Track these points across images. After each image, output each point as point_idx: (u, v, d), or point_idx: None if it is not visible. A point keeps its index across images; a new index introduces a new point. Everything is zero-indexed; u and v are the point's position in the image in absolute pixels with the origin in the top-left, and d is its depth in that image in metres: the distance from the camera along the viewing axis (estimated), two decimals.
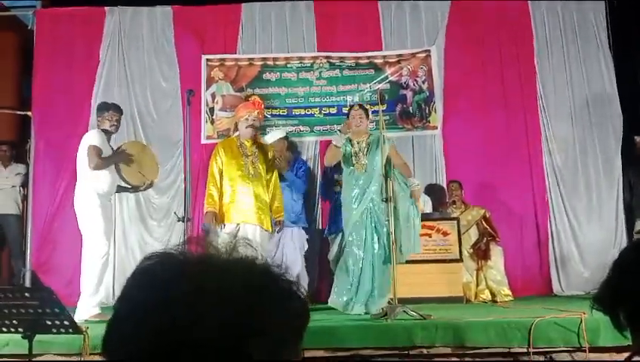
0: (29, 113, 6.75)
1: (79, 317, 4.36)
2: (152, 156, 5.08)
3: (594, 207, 6.46)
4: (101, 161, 4.64)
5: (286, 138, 6.11)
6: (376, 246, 4.71)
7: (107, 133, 4.84)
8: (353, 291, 4.67)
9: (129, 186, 4.97)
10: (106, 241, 4.64)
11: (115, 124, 4.90)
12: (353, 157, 4.79)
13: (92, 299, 4.50)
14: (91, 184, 4.69)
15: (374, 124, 6.25)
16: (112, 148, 4.86)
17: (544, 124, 6.60)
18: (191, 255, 0.68)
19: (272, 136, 5.96)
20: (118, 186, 4.93)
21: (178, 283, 0.63)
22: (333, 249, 5.80)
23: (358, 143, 4.81)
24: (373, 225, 4.70)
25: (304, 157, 6.51)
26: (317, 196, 6.50)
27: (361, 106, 4.98)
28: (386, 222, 4.54)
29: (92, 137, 4.76)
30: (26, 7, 7.33)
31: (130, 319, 0.64)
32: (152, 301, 0.63)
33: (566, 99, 6.65)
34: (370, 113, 5.08)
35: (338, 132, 4.93)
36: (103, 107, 4.97)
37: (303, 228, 5.94)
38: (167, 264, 0.66)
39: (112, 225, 5.01)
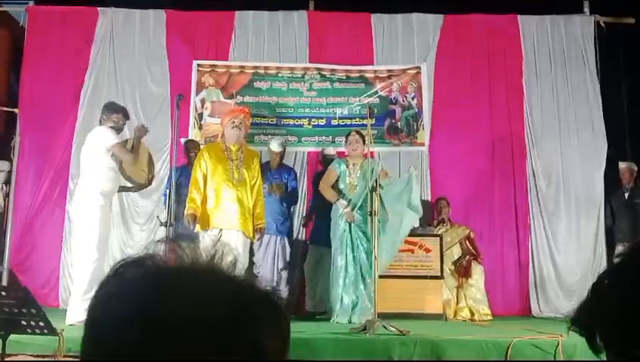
0: (16, 110, 6.69)
1: (69, 320, 4.31)
2: (147, 153, 5.04)
3: (574, 230, 6.51)
4: (131, 154, 4.64)
5: (282, 151, 6.11)
6: (361, 259, 5.09)
7: (115, 130, 4.78)
8: (340, 301, 5.05)
9: (131, 186, 4.93)
10: (99, 245, 4.54)
11: (120, 128, 4.87)
12: (347, 177, 5.29)
13: (82, 304, 4.42)
14: (95, 183, 4.61)
15: None
16: None
17: (529, 144, 6.66)
18: (168, 265, 0.67)
19: (276, 145, 6.00)
20: (120, 186, 4.87)
21: (153, 297, 0.62)
22: (311, 258, 5.89)
23: (353, 165, 5.33)
24: (358, 240, 5.13)
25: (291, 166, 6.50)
26: (301, 208, 6.49)
27: (357, 132, 5.45)
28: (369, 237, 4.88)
29: (107, 136, 4.66)
30: (18, 3, 7.28)
31: (104, 326, 0.63)
32: (125, 312, 0.62)
33: (552, 121, 6.72)
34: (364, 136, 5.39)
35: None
36: (113, 108, 4.88)
37: (287, 237, 5.93)
38: (142, 274, 0.65)
39: (109, 229, 4.89)
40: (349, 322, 4.94)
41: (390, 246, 4.84)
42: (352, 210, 5.16)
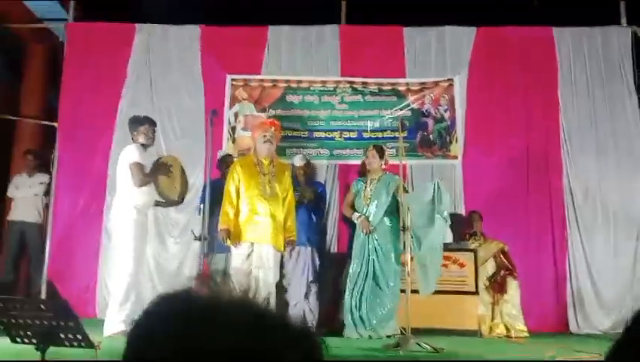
0: (55, 124, 6.87)
1: (106, 331, 4.39)
2: (182, 171, 5.11)
3: (612, 246, 6.36)
4: (145, 177, 4.69)
5: (307, 164, 6.13)
6: (377, 273, 5.23)
7: (144, 147, 4.88)
8: (356, 315, 5.16)
9: (163, 201, 4.99)
10: (135, 258, 4.63)
11: (152, 137, 4.96)
12: (362, 192, 5.49)
13: (118, 315, 4.51)
14: (129, 198, 4.72)
15: (394, 150, 6.28)
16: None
17: (566, 159, 6.54)
18: (203, 301, 0.68)
19: (298, 160, 6.06)
20: (155, 201, 4.95)
21: (190, 332, 0.63)
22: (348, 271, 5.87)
23: (370, 181, 5.51)
24: (373, 254, 5.26)
25: (322, 180, 6.52)
26: (333, 220, 6.49)
27: (374, 147, 5.62)
28: (392, 251, 5.20)
29: (132, 153, 4.76)
30: (57, 19, 7.50)
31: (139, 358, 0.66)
32: (163, 349, 0.63)
33: (589, 135, 6.59)
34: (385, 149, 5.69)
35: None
36: (137, 121, 4.98)
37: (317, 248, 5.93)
38: (179, 309, 0.67)
39: (145, 243, 4.97)
40: (360, 337, 5.05)
41: (433, 260, 4.76)
42: (367, 219, 5.32)
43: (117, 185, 4.88)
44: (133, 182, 4.68)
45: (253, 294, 0.69)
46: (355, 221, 5.41)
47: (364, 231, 5.29)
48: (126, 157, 4.79)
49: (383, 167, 5.52)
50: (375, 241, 5.29)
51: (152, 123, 5.02)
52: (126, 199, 4.72)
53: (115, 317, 4.49)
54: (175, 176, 4.94)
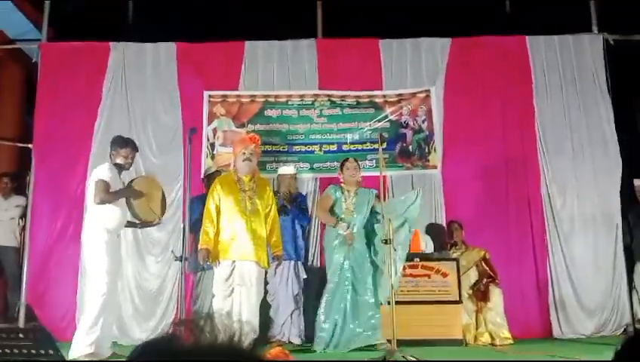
0: (31, 145, 6.77)
1: (72, 354, 4.29)
2: (161, 191, 5.04)
3: (591, 250, 6.43)
4: (106, 195, 4.56)
5: (295, 176, 6.15)
6: (357, 287, 5.21)
7: (119, 168, 4.78)
8: (331, 331, 5.14)
9: (138, 222, 4.91)
10: (107, 280, 4.51)
11: (130, 161, 4.87)
12: (343, 203, 5.39)
13: (87, 338, 4.41)
14: (100, 219, 4.60)
15: (374, 162, 6.30)
16: (123, 183, 4.81)
17: (543, 165, 6.62)
18: (188, 348, 0.66)
19: (284, 170, 6.12)
20: (128, 222, 4.85)
21: None
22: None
23: (348, 192, 5.44)
24: (352, 267, 5.23)
25: (303, 193, 6.51)
26: (315, 232, 6.47)
27: (355, 160, 5.61)
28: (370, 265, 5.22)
29: (102, 171, 4.66)
30: (31, 40, 7.42)
31: None
32: None
33: (565, 141, 6.68)
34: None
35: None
36: (120, 142, 4.86)
37: (301, 262, 5.92)
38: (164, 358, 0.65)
39: (119, 263, 4.86)
40: (325, 350, 5.08)
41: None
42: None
43: (88, 204, 4.77)
44: (94, 199, 4.57)
45: (238, 339, 0.68)
46: (341, 231, 5.28)
47: (348, 242, 5.25)
48: (95, 174, 4.71)
49: (359, 179, 5.53)
50: (352, 256, 5.26)
51: (135, 148, 4.92)
52: (97, 220, 4.62)
53: (82, 340, 4.40)
54: (151, 197, 4.87)
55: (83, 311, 4.53)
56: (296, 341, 5.66)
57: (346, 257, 5.25)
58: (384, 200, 4.86)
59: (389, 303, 4.64)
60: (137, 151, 5.02)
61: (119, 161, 4.76)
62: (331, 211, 5.42)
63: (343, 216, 5.35)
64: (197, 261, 4.94)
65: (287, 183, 6.06)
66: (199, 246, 4.73)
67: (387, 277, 4.69)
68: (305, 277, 5.87)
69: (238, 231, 4.72)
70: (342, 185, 5.50)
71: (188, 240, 4.71)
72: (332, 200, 5.45)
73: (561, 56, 6.91)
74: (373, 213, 5.35)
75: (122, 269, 6.22)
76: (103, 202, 4.56)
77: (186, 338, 0.66)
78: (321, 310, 5.24)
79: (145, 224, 4.96)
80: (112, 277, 4.58)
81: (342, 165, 5.58)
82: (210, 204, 4.80)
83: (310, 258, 6.35)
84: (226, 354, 0.65)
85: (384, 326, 5.01)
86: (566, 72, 6.86)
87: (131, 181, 4.86)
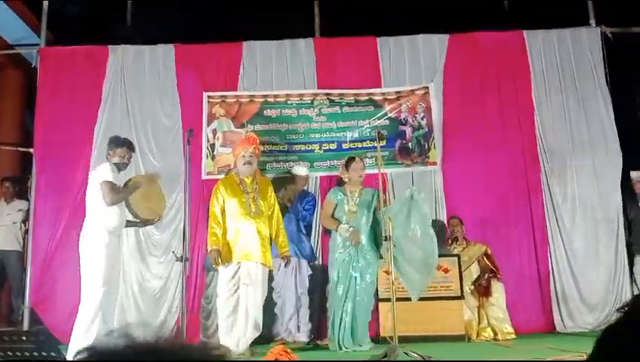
0: (31, 150, 6.80)
1: (69, 356, 4.29)
2: (160, 190, 5.06)
3: (593, 244, 6.43)
4: (116, 196, 4.58)
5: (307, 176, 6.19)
6: (361, 285, 5.13)
7: (117, 167, 4.79)
8: (342, 329, 5.05)
9: (138, 221, 4.92)
10: (106, 283, 4.52)
11: (126, 161, 4.87)
12: (345, 205, 5.29)
13: (83, 341, 4.42)
14: (101, 220, 4.60)
15: (374, 159, 6.30)
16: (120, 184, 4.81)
17: (543, 159, 6.62)
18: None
19: (299, 170, 6.16)
20: (127, 221, 4.87)
21: None
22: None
23: (351, 193, 5.33)
24: (358, 264, 5.14)
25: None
26: (317, 231, 6.49)
27: (362, 159, 5.46)
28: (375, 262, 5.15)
29: (105, 172, 4.66)
30: (30, 45, 7.45)
31: None
32: None
33: (564, 135, 6.68)
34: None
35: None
36: (117, 142, 4.88)
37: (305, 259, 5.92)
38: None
39: (119, 265, 4.87)
40: (340, 349, 5.02)
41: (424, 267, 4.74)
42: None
43: (87, 205, 4.77)
44: (105, 201, 4.56)
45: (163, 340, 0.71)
46: (345, 233, 5.17)
47: (355, 242, 5.16)
48: (97, 176, 4.70)
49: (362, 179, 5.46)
50: (360, 260, 5.18)
51: (131, 147, 4.94)
52: (97, 221, 4.61)
53: (79, 340, 4.41)
54: (149, 197, 4.88)
55: (80, 313, 4.52)
56: (302, 338, 5.67)
57: (353, 256, 5.16)
58: (384, 197, 4.85)
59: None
60: (134, 151, 5.03)
61: (116, 160, 4.76)
62: (334, 214, 5.34)
63: (346, 218, 5.26)
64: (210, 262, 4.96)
65: (302, 184, 6.10)
66: (209, 248, 4.76)
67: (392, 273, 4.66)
68: (310, 273, 5.88)
69: (243, 233, 4.76)
70: (345, 185, 5.44)
71: (191, 240, 4.72)
72: (334, 205, 5.36)
73: (559, 51, 6.91)
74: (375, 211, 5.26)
75: (124, 271, 6.30)
76: (114, 203, 4.57)
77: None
78: (332, 310, 5.20)
79: (145, 222, 4.98)
80: (110, 278, 4.58)
81: (347, 164, 5.46)
82: (215, 206, 4.85)
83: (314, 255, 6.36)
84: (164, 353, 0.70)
85: (385, 323, 5.02)
86: (564, 65, 6.86)
87: (128, 180, 4.87)
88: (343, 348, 5.02)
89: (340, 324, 5.08)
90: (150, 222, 4.98)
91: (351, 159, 5.49)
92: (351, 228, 5.16)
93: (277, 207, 5.07)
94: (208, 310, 5.65)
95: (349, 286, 5.13)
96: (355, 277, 5.15)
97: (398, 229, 4.60)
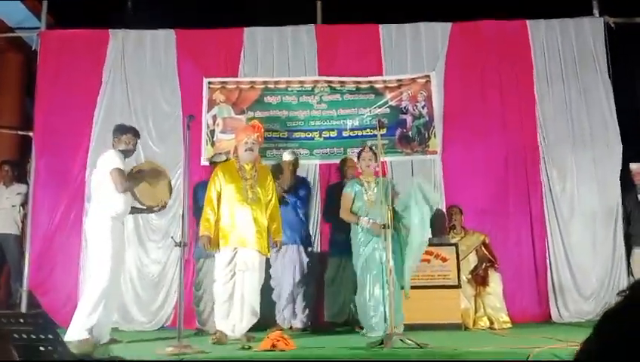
0: (31, 133, 6.79)
1: (68, 337, 4.32)
2: (165, 176, 5.08)
3: (590, 235, 6.45)
4: (128, 182, 4.65)
5: (295, 161, 6.10)
6: (386, 275, 4.85)
7: (124, 154, 4.82)
8: (374, 317, 4.87)
9: (143, 207, 4.95)
10: (109, 268, 4.56)
11: (132, 148, 4.92)
12: (364, 195, 5.14)
13: (84, 323, 4.46)
14: (106, 207, 4.65)
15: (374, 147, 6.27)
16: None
17: (543, 149, 6.62)
18: None
19: (284, 155, 6.08)
20: (132, 208, 4.91)
21: None
22: (331, 270, 5.90)
23: (367, 183, 5.19)
24: (383, 255, 4.90)
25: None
26: (315, 218, 6.49)
27: (371, 149, 5.27)
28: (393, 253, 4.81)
29: (113, 160, 4.70)
30: (30, 28, 7.42)
31: None
32: None
33: (565, 126, 6.67)
34: (376, 154, 5.18)
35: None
36: (121, 129, 4.94)
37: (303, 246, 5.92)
38: None
39: (123, 250, 4.91)
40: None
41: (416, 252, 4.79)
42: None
43: (93, 192, 4.80)
44: (116, 188, 4.62)
45: None
46: (366, 226, 5.00)
47: (377, 233, 4.93)
48: (105, 163, 4.72)
49: (377, 170, 5.24)
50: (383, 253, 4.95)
51: (136, 134, 5.00)
52: (103, 207, 4.66)
53: (80, 323, 4.44)
54: (155, 183, 4.90)
55: (84, 296, 4.57)
56: (298, 325, 5.70)
57: (377, 247, 4.96)
58: (384, 184, 4.83)
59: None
60: (139, 137, 5.08)
61: (122, 147, 4.82)
62: (352, 207, 5.18)
63: (365, 208, 5.10)
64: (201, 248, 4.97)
65: (287, 170, 6.03)
66: (200, 234, 4.77)
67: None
68: (308, 260, 5.87)
69: (239, 219, 4.75)
70: (360, 177, 5.30)
71: (190, 226, 4.73)
72: (351, 198, 5.19)
73: (561, 40, 6.88)
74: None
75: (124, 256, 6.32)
76: (126, 190, 4.64)
77: None
78: (369, 302, 4.96)
79: (150, 209, 5.01)
80: (115, 264, 4.63)
81: (359, 154, 5.32)
82: (212, 192, 4.83)
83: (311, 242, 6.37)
84: None
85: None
86: (567, 55, 6.83)
87: (133, 168, 4.90)
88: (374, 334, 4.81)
89: (374, 314, 4.89)
90: (157, 209, 5.00)
91: (362, 149, 5.37)
92: (371, 220, 5.03)
93: (274, 195, 5.06)
94: (199, 296, 5.68)
95: (379, 278, 4.94)
96: (382, 266, 4.95)
97: (408, 219, 4.62)
